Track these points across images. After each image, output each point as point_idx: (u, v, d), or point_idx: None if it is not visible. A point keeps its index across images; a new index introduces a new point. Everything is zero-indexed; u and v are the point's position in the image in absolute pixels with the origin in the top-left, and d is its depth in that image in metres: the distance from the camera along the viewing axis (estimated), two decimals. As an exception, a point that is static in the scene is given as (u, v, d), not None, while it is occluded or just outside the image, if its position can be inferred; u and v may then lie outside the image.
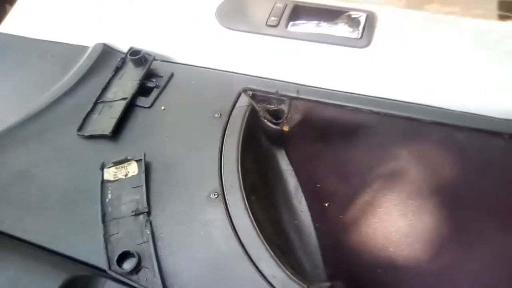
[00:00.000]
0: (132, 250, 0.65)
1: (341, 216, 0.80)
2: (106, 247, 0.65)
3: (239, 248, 0.65)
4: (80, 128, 0.81)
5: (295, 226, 0.79)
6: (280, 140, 0.86)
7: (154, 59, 0.89)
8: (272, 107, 0.86)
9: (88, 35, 0.97)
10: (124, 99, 0.84)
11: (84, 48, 0.96)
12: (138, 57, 0.88)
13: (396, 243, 0.76)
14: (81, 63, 0.91)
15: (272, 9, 0.92)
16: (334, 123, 0.82)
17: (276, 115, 0.86)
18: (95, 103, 0.84)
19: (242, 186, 0.71)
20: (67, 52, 0.96)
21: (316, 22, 0.90)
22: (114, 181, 0.73)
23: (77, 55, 0.94)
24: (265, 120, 0.84)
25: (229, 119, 0.80)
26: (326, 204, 0.80)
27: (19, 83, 0.93)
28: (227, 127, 0.79)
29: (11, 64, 0.97)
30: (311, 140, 0.85)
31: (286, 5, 0.93)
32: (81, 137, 0.80)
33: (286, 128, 0.84)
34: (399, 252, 0.75)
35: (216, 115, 0.81)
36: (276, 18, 0.90)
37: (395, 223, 0.77)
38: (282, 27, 0.89)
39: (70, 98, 0.86)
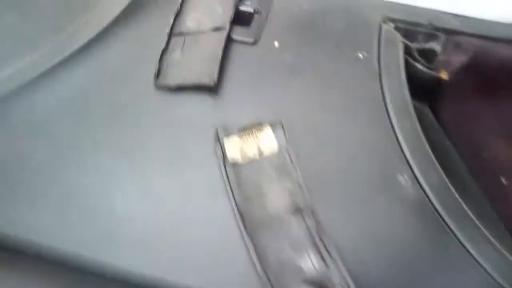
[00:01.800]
0: (310, 278, 0.39)
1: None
2: (267, 277, 0.39)
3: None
4: (158, 74, 0.51)
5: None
6: (428, 92, 0.62)
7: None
8: (417, 45, 0.61)
9: None
10: (217, 30, 0.54)
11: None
12: (226, -34, 0.57)
13: None
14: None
15: None
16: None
17: (424, 56, 0.61)
18: (170, 36, 0.54)
19: (436, 163, 0.47)
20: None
21: None
22: (244, 164, 0.45)
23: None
24: (417, 64, 0.59)
25: (380, 61, 0.54)
26: (504, 180, 0.58)
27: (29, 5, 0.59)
28: (382, 76, 0.53)
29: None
30: (474, 93, 0.62)
31: None
32: (161, 88, 0.50)
33: (444, 76, 0.60)
34: None
35: (360, 55, 0.54)
36: None
37: None
38: None
39: (123, 28, 0.55)
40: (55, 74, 0.51)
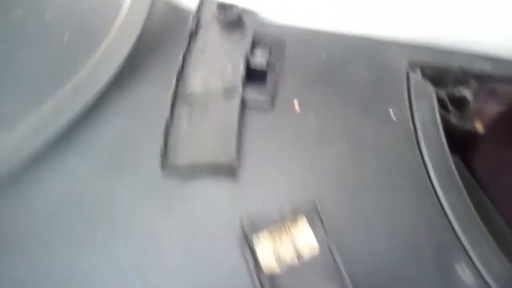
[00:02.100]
0: None
1: None
2: None
3: None
4: (164, 153, 0.42)
5: None
6: (462, 145, 0.56)
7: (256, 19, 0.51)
8: (447, 91, 0.55)
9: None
10: (228, 91, 0.46)
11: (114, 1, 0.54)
12: (233, 17, 0.49)
13: None
14: (120, 27, 0.50)
15: None
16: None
17: (454, 104, 0.55)
18: (174, 104, 0.46)
19: (493, 243, 0.41)
20: (82, 8, 0.54)
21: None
22: (281, 274, 0.37)
23: (105, 13, 0.53)
24: (452, 116, 0.53)
25: (415, 122, 0.48)
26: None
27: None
28: (419, 137, 0.47)
29: None
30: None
31: None
32: (169, 169, 0.42)
33: (480, 128, 0.54)
34: None
35: (392, 115, 0.48)
36: None
37: None
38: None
39: (118, 96, 0.46)
40: (33, 161, 0.42)
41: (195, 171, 0.42)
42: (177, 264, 0.38)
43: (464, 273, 0.39)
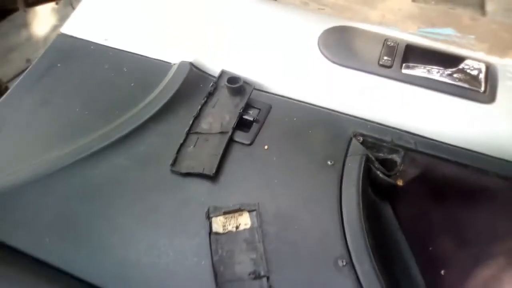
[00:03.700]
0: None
1: (460, 288, 0.71)
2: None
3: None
4: (174, 162, 0.70)
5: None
6: (389, 193, 0.78)
7: (254, 88, 0.79)
8: (382, 155, 0.77)
9: (170, 50, 0.87)
10: (223, 133, 0.73)
11: (166, 64, 0.85)
12: (237, 86, 0.77)
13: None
14: (166, 84, 0.81)
15: (383, 46, 0.83)
16: (455, 182, 0.74)
17: (386, 165, 0.77)
18: (188, 134, 0.73)
19: (370, 252, 0.62)
20: (145, 66, 0.85)
21: (431, 66, 0.82)
22: (224, 233, 0.62)
23: (159, 73, 0.83)
24: (378, 172, 0.75)
25: (344, 169, 0.71)
26: (442, 272, 0.71)
27: (91, 96, 0.81)
28: (343, 179, 0.70)
29: (77, 74, 0.85)
30: (425, 197, 0.77)
31: (398, 43, 0.84)
32: (175, 173, 0.69)
33: (400, 183, 0.76)
34: None
35: (329, 163, 0.71)
36: (390, 58, 0.82)
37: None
38: (397, 68, 0.81)
39: (156, 124, 0.75)
40: (103, 154, 0.71)
41: (189, 175, 0.69)
42: (167, 222, 0.64)
43: (342, 264, 0.61)
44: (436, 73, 0.80)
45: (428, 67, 0.82)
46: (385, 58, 0.82)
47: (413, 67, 0.82)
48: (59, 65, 0.86)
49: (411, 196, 0.77)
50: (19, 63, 2.06)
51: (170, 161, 0.70)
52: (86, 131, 0.75)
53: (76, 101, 0.81)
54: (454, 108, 0.77)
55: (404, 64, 0.82)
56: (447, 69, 0.81)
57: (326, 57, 0.83)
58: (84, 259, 0.61)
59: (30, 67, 0.87)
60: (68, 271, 0.60)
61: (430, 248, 0.75)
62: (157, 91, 0.80)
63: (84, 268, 0.60)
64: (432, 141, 0.75)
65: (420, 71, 0.81)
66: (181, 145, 0.72)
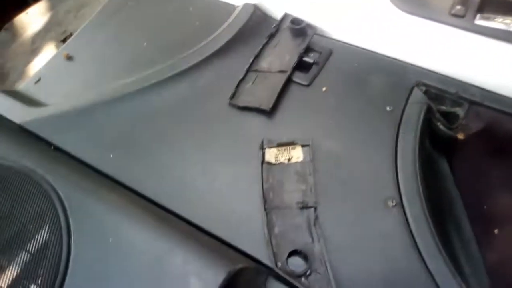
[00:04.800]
0: (300, 249, 0.55)
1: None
2: (270, 241, 0.56)
3: (422, 267, 0.55)
4: (232, 96, 0.71)
5: (463, 250, 0.68)
6: (447, 147, 0.75)
7: (316, 34, 0.78)
8: (444, 108, 0.75)
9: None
10: (282, 72, 0.74)
11: (231, 6, 0.86)
12: (299, 28, 0.77)
13: None
14: (230, 23, 0.82)
15: (457, -5, 0.79)
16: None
17: (448, 118, 0.74)
18: (248, 71, 0.74)
19: (422, 196, 0.61)
20: (210, 7, 0.87)
21: (508, 18, 0.76)
22: (276, 164, 0.63)
23: (223, 13, 0.85)
24: (439, 123, 0.73)
25: (403, 115, 0.70)
26: (495, 231, 0.69)
27: (157, 33, 0.84)
28: (401, 125, 0.68)
29: (146, 12, 0.88)
30: (485, 154, 0.74)
31: (472, -8, 0.79)
32: (232, 106, 0.71)
33: (461, 136, 0.73)
34: None
35: (388, 108, 0.70)
36: (463, 8, 0.77)
37: None
38: (469, 19, 0.77)
39: (218, 60, 0.77)
40: (167, 84, 0.74)
41: (246, 109, 0.70)
42: (223, 151, 0.66)
43: (392, 204, 0.60)
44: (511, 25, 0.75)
45: (505, 18, 0.77)
46: (458, 7, 0.78)
47: (488, 19, 0.77)
48: (129, 3, 0.90)
49: (471, 152, 0.74)
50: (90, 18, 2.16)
51: (229, 95, 0.71)
52: (151, 64, 0.78)
53: (143, 36, 0.84)
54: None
55: (478, 15, 0.77)
56: (525, 22, 0.76)
57: (395, 4, 0.80)
58: (143, 176, 0.65)
59: (103, 4, 0.91)
60: (127, 184, 0.64)
61: (485, 207, 0.72)
62: (220, 29, 0.81)
63: (142, 183, 0.64)
64: (498, 95, 0.71)
65: (495, 23, 0.76)
66: (240, 81, 0.73)
